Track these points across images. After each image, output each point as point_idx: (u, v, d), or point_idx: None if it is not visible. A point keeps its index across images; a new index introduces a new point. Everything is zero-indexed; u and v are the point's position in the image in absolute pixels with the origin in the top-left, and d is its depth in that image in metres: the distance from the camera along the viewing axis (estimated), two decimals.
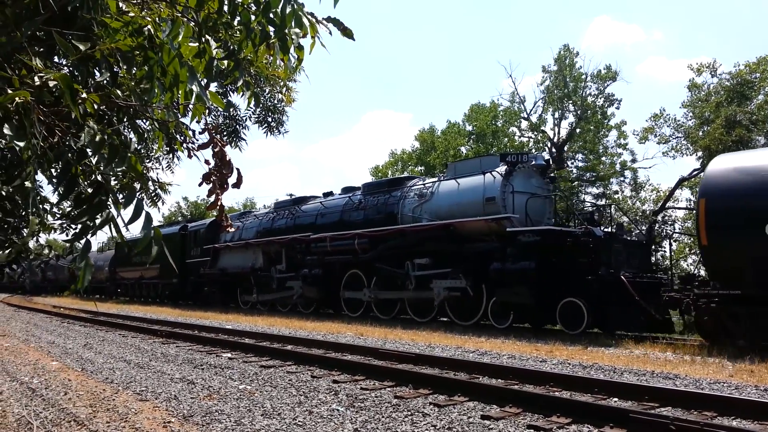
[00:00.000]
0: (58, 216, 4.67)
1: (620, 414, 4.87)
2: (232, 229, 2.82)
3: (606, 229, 13.79)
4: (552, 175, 16.67)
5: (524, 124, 34.32)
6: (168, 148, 4.95)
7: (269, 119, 5.19)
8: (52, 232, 5.60)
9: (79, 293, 39.77)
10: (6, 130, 1.64)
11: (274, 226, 20.88)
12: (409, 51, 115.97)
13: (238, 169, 2.49)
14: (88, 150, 1.85)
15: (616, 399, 5.93)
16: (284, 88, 4.63)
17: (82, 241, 2.13)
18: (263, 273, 21.01)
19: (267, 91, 4.69)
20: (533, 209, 13.71)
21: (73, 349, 10.71)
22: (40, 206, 4.33)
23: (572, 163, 32.92)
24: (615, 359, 8.94)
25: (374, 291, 16.53)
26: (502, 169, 14.12)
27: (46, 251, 5.43)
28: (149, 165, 5.58)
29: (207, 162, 2.44)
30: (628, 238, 14.07)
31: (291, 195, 22.02)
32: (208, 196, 2.51)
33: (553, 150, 32.33)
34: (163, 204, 5.94)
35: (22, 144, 1.65)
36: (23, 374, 7.97)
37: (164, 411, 5.66)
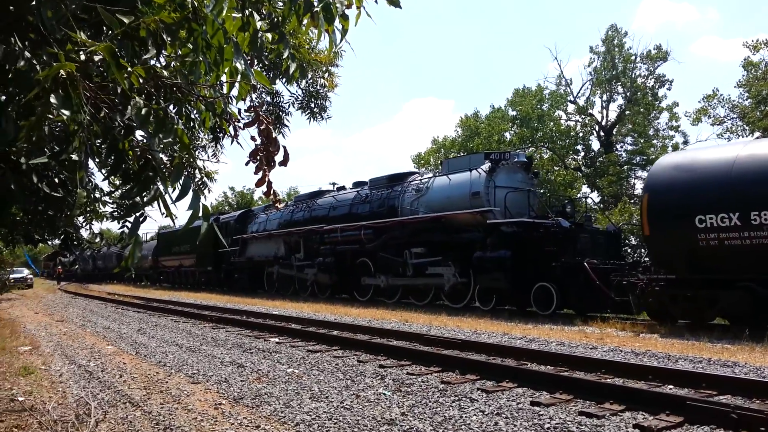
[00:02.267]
0: (110, 203, 4.77)
1: (677, 401, 4.69)
2: (282, 206, 2.80)
3: (576, 221, 14.96)
4: (536, 171, 17.91)
5: (571, 107, 33.53)
6: (212, 135, 5.00)
7: (312, 105, 5.16)
8: (104, 220, 5.75)
9: (129, 275, 41.27)
10: (52, 99, 1.63)
11: (294, 218, 22.53)
12: (450, 37, 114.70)
13: (284, 147, 2.46)
14: (135, 124, 1.84)
15: (671, 386, 5.73)
16: (326, 73, 4.58)
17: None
18: (285, 261, 22.83)
19: (309, 75, 4.66)
20: (513, 203, 14.86)
21: (127, 334, 11.05)
22: (92, 194, 4.43)
23: (621, 147, 32.03)
24: (669, 346, 8.66)
25: (389, 278, 17.61)
26: (487, 166, 15.37)
27: (98, 240, 5.56)
28: (195, 153, 5.65)
29: (253, 139, 2.41)
30: (598, 228, 15.50)
31: (334, 184, 22.43)
32: (256, 172, 2.47)
33: (602, 134, 31.50)
34: (209, 192, 6.02)
35: (68, 113, 1.64)
36: (81, 358, 8.25)
37: (215, 393, 5.77)
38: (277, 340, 9.74)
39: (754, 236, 9.77)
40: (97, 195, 5.13)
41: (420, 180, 17.52)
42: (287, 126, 4.62)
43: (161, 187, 2.02)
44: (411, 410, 5.01)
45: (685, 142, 29.71)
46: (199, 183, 4.60)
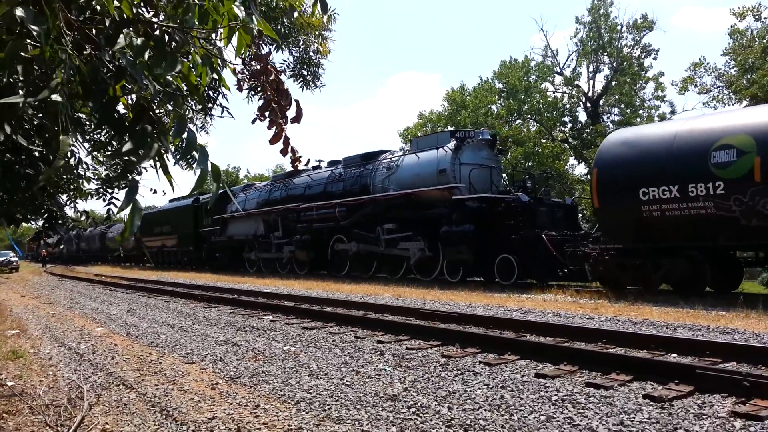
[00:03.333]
0: (94, 179, 4.54)
1: (686, 370, 4.62)
2: (302, 164, 2.56)
3: (534, 195, 15.51)
4: (500, 147, 18.90)
5: (558, 79, 33.31)
6: (200, 106, 4.75)
7: (304, 72, 4.92)
8: (88, 198, 5.51)
9: (116, 255, 40.92)
10: (19, 12, 1.40)
11: (271, 197, 23.11)
12: (434, 9, 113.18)
13: (297, 101, 2.25)
14: (126, 67, 1.61)
15: (674, 355, 5.68)
16: (319, 38, 4.35)
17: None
18: (264, 239, 23.33)
19: (302, 41, 4.42)
20: (477, 179, 15.49)
21: (117, 315, 10.85)
22: (76, 170, 4.19)
23: (608, 118, 31.97)
24: (665, 315, 8.65)
25: (359, 245, 18.44)
26: (453, 144, 15.92)
27: (83, 218, 5.32)
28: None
29: (264, 89, 2.18)
30: (557, 201, 15.94)
31: (320, 161, 22.33)
32: (270, 127, 2.25)
33: (588, 105, 31.37)
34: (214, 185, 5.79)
35: (40, 29, 1.40)
36: (70, 340, 8.06)
37: (211, 373, 5.62)
38: (270, 317, 9.60)
39: (691, 207, 10.47)
40: (81, 171, 4.90)
41: (390, 158, 18.10)
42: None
43: (160, 143, 1.80)
44: (413, 385, 4.90)
45: (672, 112, 29.77)
46: (188, 157, 4.37)
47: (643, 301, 10.43)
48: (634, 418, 3.86)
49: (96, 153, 5.40)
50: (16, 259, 38.29)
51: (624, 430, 3.68)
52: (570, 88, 32.45)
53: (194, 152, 1.86)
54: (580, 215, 21.21)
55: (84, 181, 5.46)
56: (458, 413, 4.09)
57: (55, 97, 1.50)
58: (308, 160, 2.55)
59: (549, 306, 10.05)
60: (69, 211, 5.30)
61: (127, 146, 1.77)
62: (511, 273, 14.05)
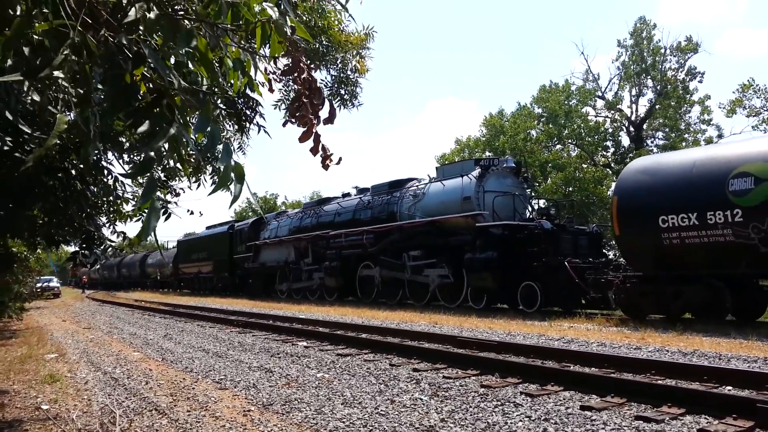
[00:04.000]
0: (131, 199, 4.54)
1: (745, 403, 4.29)
2: (334, 162, 2.43)
3: (558, 222, 15.54)
4: (525, 174, 18.72)
5: (599, 103, 32.80)
6: (237, 126, 4.72)
7: (342, 91, 4.87)
8: (127, 220, 5.52)
9: (152, 281, 41.55)
10: None
11: (302, 224, 23.53)
12: (471, 36, 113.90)
13: (330, 101, 2.15)
14: (149, 54, 1.52)
15: (729, 387, 5.32)
16: (357, 56, 4.29)
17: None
18: (294, 266, 23.73)
19: (339, 59, 4.37)
20: (501, 206, 15.59)
21: (153, 340, 10.90)
22: (111, 187, 4.18)
23: (651, 142, 31.24)
24: (716, 345, 8.21)
25: (382, 270, 18.80)
26: (477, 172, 16.21)
27: (120, 239, 5.29)
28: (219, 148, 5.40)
29: (296, 82, 2.07)
30: (580, 228, 15.83)
31: (356, 187, 22.42)
32: (300, 124, 2.14)
33: (631, 129, 30.77)
34: (236, 186, 5.76)
35: None
36: (107, 365, 8.09)
37: (243, 399, 5.51)
38: (305, 344, 9.48)
39: (710, 234, 10.49)
40: (119, 193, 4.92)
41: (417, 186, 18.39)
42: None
43: (178, 125, 1.70)
44: (451, 416, 4.69)
45: (719, 135, 28.89)
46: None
47: (693, 330, 9.96)
48: None
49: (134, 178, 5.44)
50: (57, 285, 39.23)
51: None
52: (612, 112, 31.88)
53: (217, 147, 1.77)
54: (605, 241, 20.78)
55: (123, 203, 5.50)
56: None
57: (58, 73, 1.43)
58: (339, 159, 2.44)
59: (593, 335, 9.68)
60: (107, 233, 5.32)
61: (143, 127, 1.68)
62: (534, 300, 14.00)
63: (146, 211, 1.80)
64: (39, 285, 25.33)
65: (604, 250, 16.63)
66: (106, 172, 3.90)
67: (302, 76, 2.02)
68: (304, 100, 2.04)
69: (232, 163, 1.80)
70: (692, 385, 5.35)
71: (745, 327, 10.21)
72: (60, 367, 7.98)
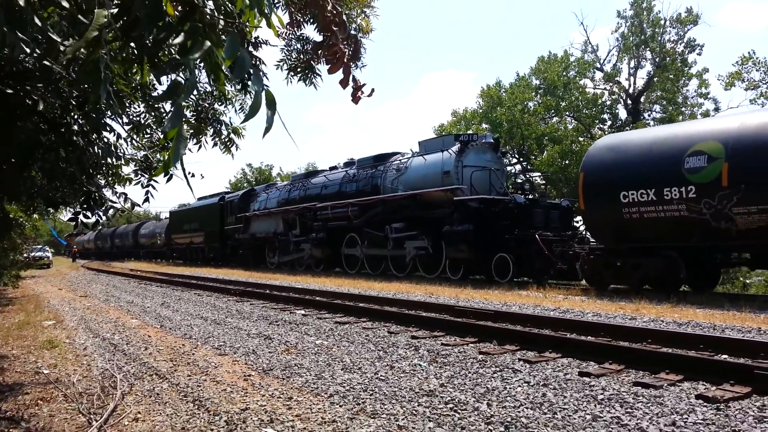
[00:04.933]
0: (131, 158, 4.47)
1: (743, 370, 4.34)
2: (365, 94, 2.36)
3: (533, 197, 16.13)
4: (503, 150, 19.30)
5: (598, 75, 32.53)
6: (240, 85, 4.64)
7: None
8: (126, 183, 5.45)
9: (143, 252, 41.46)
10: None
11: (291, 196, 23.90)
12: (469, 7, 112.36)
13: (354, 36, 2.09)
14: None
15: (725, 356, 5.38)
16: (362, 15, 4.18)
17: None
18: (283, 237, 24.28)
19: (344, 15, 4.26)
20: (478, 181, 16.08)
21: (151, 308, 10.92)
22: (112, 146, 4.12)
23: (649, 115, 31.10)
24: (711, 317, 8.29)
25: (364, 248, 19.46)
26: (457, 147, 16.62)
27: (123, 200, 5.19)
28: (221, 109, 5.29)
29: (320, 18, 2.00)
30: (553, 203, 16.40)
31: (352, 159, 22.36)
32: (329, 55, 2.07)
33: (629, 101, 30.59)
34: (237, 150, 5.70)
35: None
36: (105, 331, 8.11)
37: (243, 365, 5.54)
38: (303, 312, 9.53)
39: (666, 210, 11.05)
40: (119, 153, 4.85)
41: (400, 160, 18.77)
42: (319, 75, 4.20)
43: (214, 38, 1.63)
44: (450, 381, 4.73)
45: (716, 109, 28.76)
46: (226, 140, 4.27)
47: (687, 302, 10.06)
48: (687, 419, 3.63)
49: (134, 136, 5.36)
50: (48, 254, 39.13)
51: (676, 430, 3.45)
52: (610, 84, 31.64)
53: (248, 72, 1.71)
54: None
55: (123, 165, 5.42)
56: (498, 410, 3.91)
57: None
58: (372, 90, 2.37)
59: (588, 306, 9.75)
60: (107, 193, 5.25)
61: (178, 39, 1.63)
62: (507, 271, 14.51)
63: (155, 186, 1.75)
64: (32, 254, 25.25)
65: (574, 224, 17.20)
66: (108, 129, 3.83)
67: (327, 7, 1.95)
68: (334, 29, 1.97)
69: (262, 89, 1.74)
70: (690, 352, 5.40)
71: (701, 296, 10.89)
72: (58, 333, 8.00)
